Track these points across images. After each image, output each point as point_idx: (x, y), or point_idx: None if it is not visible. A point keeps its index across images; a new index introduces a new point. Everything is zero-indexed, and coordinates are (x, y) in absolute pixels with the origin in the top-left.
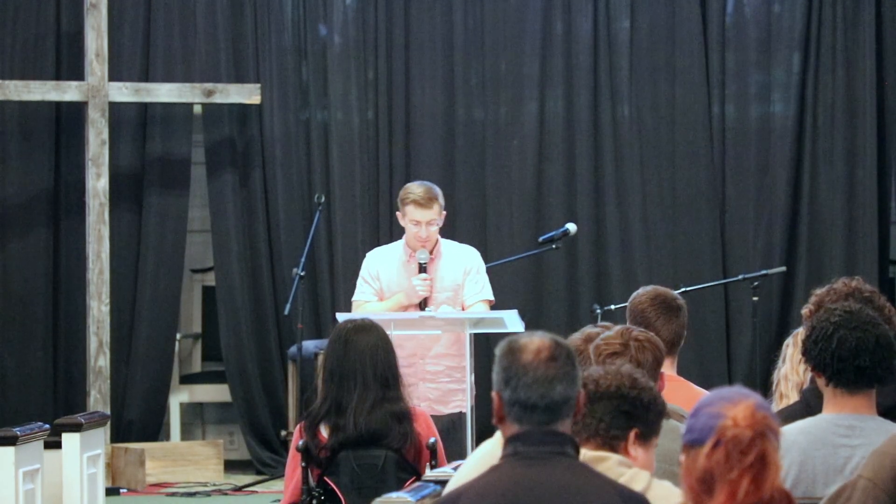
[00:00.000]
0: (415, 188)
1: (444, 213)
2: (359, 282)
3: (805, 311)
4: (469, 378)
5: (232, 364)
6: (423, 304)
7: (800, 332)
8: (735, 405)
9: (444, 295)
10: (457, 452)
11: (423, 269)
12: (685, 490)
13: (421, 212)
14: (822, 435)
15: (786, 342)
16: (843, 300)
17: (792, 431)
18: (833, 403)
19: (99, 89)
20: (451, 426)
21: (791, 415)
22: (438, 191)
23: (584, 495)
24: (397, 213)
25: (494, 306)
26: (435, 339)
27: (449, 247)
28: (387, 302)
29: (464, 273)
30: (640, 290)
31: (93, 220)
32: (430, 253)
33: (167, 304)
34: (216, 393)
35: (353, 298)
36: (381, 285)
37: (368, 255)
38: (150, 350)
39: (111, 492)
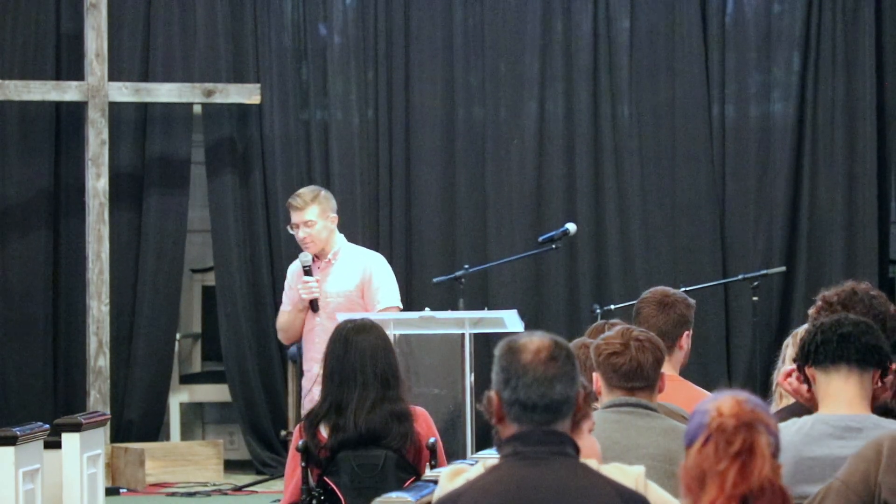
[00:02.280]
0: (295, 194)
1: (334, 216)
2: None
3: (812, 310)
4: (469, 378)
5: (232, 364)
6: (314, 306)
7: (799, 332)
8: (720, 400)
9: (336, 301)
10: (454, 452)
11: (307, 271)
12: (684, 492)
13: (295, 214)
14: (817, 435)
15: (785, 342)
16: (848, 296)
17: (788, 431)
18: (829, 398)
19: (99, 89)
20: None
21: (791, 414)
22: (323, 193)
23: (584, 495)
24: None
25: (493, 306)
26: None
27: (349, 253)
28: (286, 311)
29: (361, 282)
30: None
31: (93, 220)
32: (329, 258)
33: (167, 304)
34: (216, 393)
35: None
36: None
37: (290, 268)
38: (150, 350)
39: (111, 492)
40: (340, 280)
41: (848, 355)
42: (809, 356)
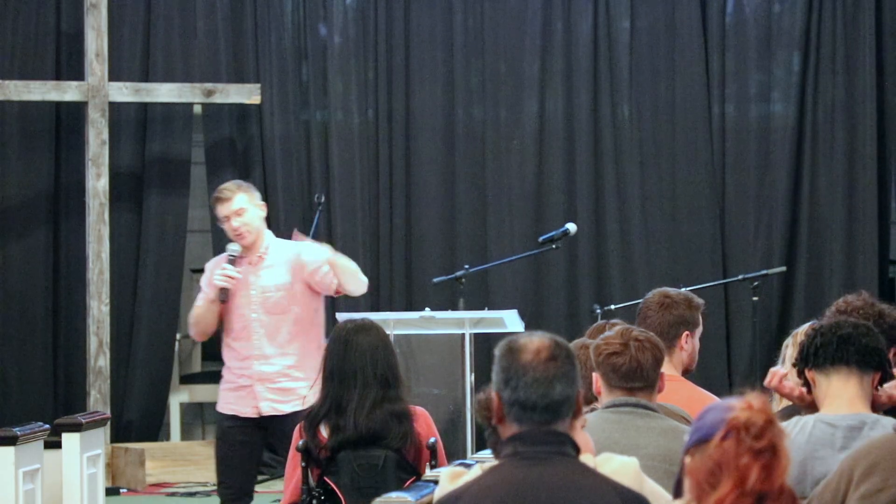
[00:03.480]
0: (218, 189)
1: (261, 203)
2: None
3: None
4: (469, 378)
5: None
6: (223, 297)
7: (799, 332)
8: (746, 399)
9: (276, 295)
10: (455, 452)
11: (232, 261)
12: (689, 490)
13: (224, 206)
14: (819, 435)
15: (785, 343)
16: (856, 307)
17: (790, 432)
18: (830, 398)
19: (99, 89)
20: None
21: (791, 413)
22: (246, 183)
23: (584, 495)
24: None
25: (494, 306)
26: (269, 340)
27: (278, 247)
28: (199, 305)
29: (293, 269)
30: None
31: (93, 219)
32: (261, 254)
33: (167, 303)
34: (216, 393)
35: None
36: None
37: (206, 265)
38: (150, 350)
39: (111, 492)
40: (275, 274)
41: (847, 357)
42: (809, 359)
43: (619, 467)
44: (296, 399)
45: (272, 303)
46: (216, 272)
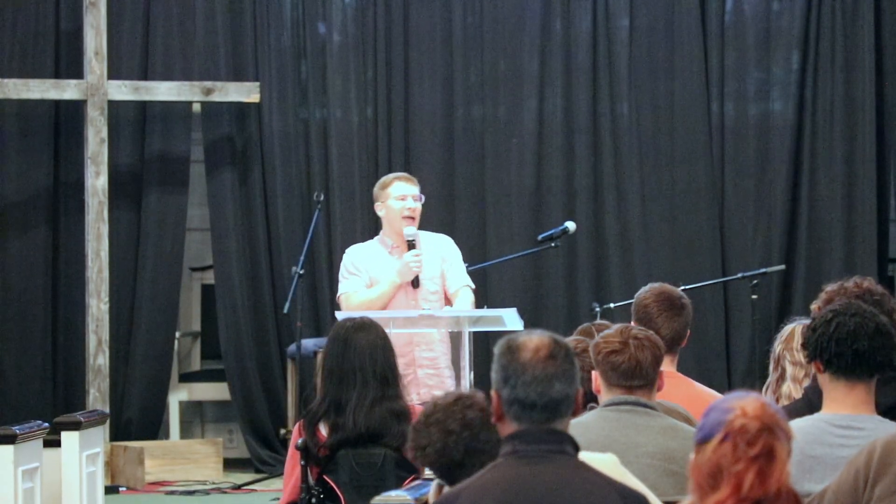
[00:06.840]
0: (394, 173)
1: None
2: (343, 276)
3: (814, 306)
4: (468, 377)
5: (231, 362)
6: (415, 282)
7: (785, 334)
8: (745, 400)
9: (433, 286)
10: None
11: (411, 245)
12: (693, 488)
13: (409, 186)
14: (819, 435)
15: (773, 349)
16: (853, 299)
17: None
18: (832, 399)
19: (98, 88)
20: None
21: (793, 412)
22: None
23: (583, 494)
24: (377, 204)
25: (493, 304)
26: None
27: (425, 237)
28: (378, 286)
29: (441, 261)
30: (647, 287)
31: (92, 218)
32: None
33: (166, 302)
34: (215, 391)
35: (341, 292)
36: (369, 277)
37: (349, 250)
38: (150, 348)
39: (110, 490)
40: (429, 264)
41: (860, 372)
42: (821, 357)
43: (597, 465)
44: (451, 385)
45: (432, 290)
46: (406, 256)
